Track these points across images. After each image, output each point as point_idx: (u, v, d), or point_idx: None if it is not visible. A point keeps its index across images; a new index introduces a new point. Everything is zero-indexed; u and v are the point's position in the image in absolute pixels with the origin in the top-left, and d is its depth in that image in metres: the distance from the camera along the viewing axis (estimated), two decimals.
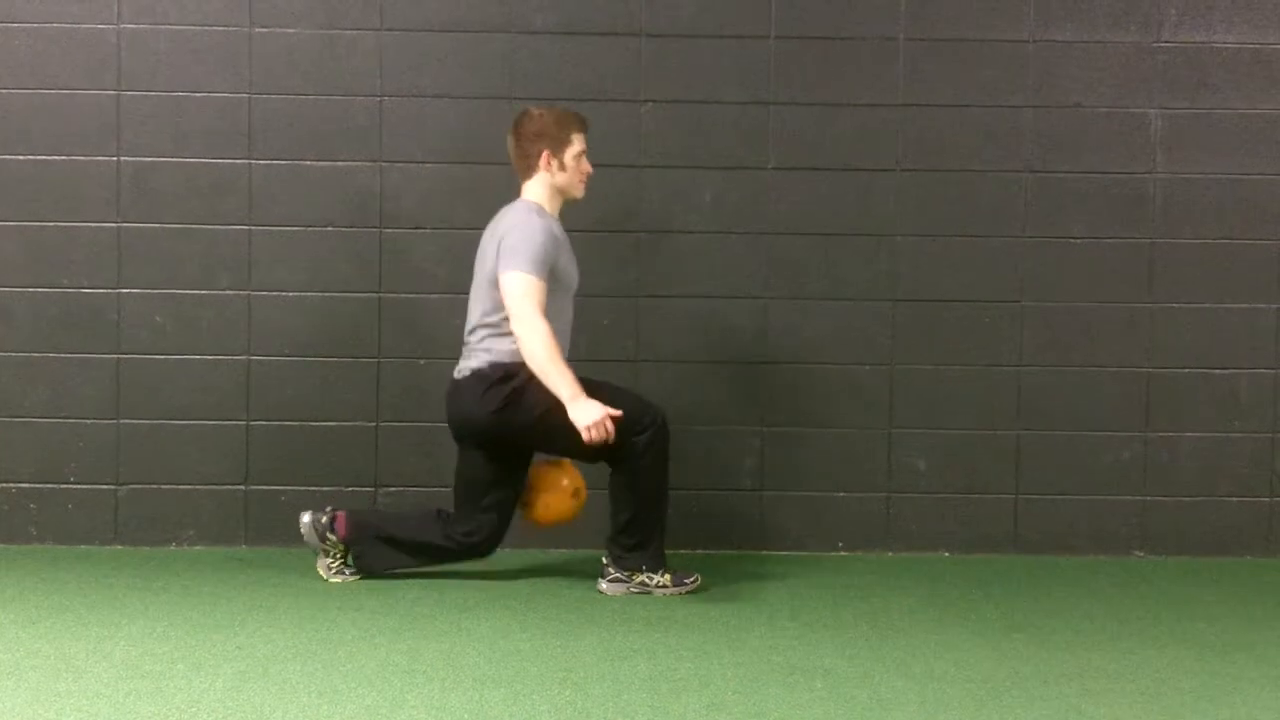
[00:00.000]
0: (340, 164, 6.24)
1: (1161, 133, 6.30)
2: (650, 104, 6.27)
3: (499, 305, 5.48)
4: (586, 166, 5.67)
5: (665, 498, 5.60)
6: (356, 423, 6.27)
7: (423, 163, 6.24)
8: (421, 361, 6.19)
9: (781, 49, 6.26)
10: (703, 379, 6.32)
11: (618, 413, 5.37)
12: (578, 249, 5.91)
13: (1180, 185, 6.30)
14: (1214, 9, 6.28)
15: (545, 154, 5.59)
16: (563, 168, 5.62)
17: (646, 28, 6.24)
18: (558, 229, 5.57)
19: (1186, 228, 6.31)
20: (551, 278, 5.48)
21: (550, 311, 5.45)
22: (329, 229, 6.25)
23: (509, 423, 5.50)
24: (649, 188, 6.27)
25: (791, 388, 6.31)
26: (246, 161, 6.22)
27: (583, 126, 5.65)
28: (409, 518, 5.78)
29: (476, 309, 5.60)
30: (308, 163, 6.23)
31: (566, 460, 5.69)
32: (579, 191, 5.69)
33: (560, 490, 5.64)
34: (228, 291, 6.24)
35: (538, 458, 5.70)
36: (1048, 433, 6.33)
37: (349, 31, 6.22)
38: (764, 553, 6.33)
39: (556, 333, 5.46)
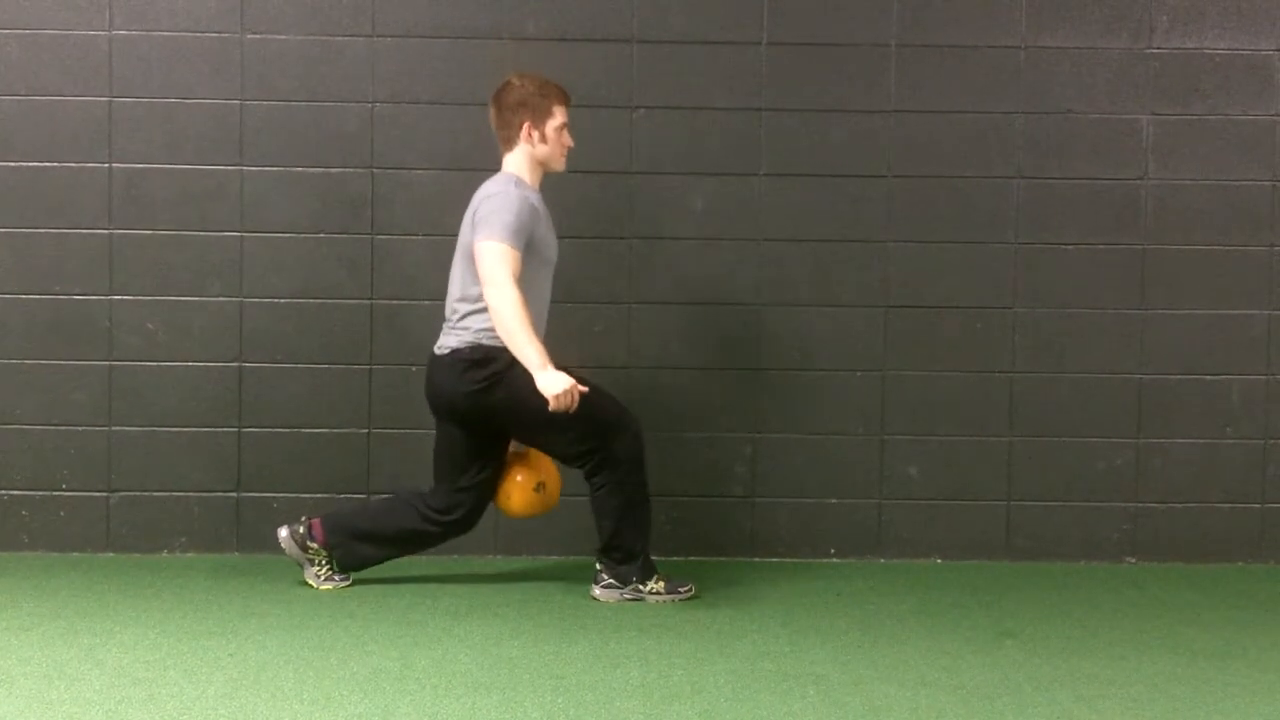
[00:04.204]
0: (332, 170, 6.23)
1: (1153, 139, 6.31)
2: (642, 110, 6.27)
3: (478, 278, 5.44)
4: (568, 139, 5.63)
5: (647, 505, 5.58)
6: (348, 429, 6.27)
7: (414, 169, 6.24)
8: (413, 368, 6.18)
9: (773, 55, 6.26)
10: (695, 385, 6.32)
11: (584, 388, 5.34)
12: (570, 254, 5.91)
13: (1171, 191, 6.31)
14: (1205, 15, 6.29)
15: (526, 125, 5.56)
16: (544, 139, 5.58)
17: (638, 34, 6.25)
18: (537, 200, 5.52)
19: (1178, 234, 6.32)
20: (529, 250, 5.43)
21: (528, 285, 5.41)
22: (320, 235, 6.25)
23: (485, 406, 5.47)
24: (641, 194, 6.28)
25: (783, 394, 6.32)
26: (238, 168, 6.22)
27: (565, 98, 5.62)
28: (382, 510, 5.74)
29: (457, 283, 5.56)
30: (299, 169, 6.23)
31: (534, 451, 5.67)
32: (560, 164, 5.65)
33: (524, 480, 5.61)
34: (219, 298, 6.23)
35: (514, 445, 5.69)
36: (1040, 439, 6.34)
37: (340, 37, 6.22)
38: (756, 559, 6.33)
39: (533, 308, 5.43)
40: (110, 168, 6.20)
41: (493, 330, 5.42)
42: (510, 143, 5.61)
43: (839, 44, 6.27)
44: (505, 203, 5.40)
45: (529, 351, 5.30)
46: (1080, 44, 6.29)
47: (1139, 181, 6.32)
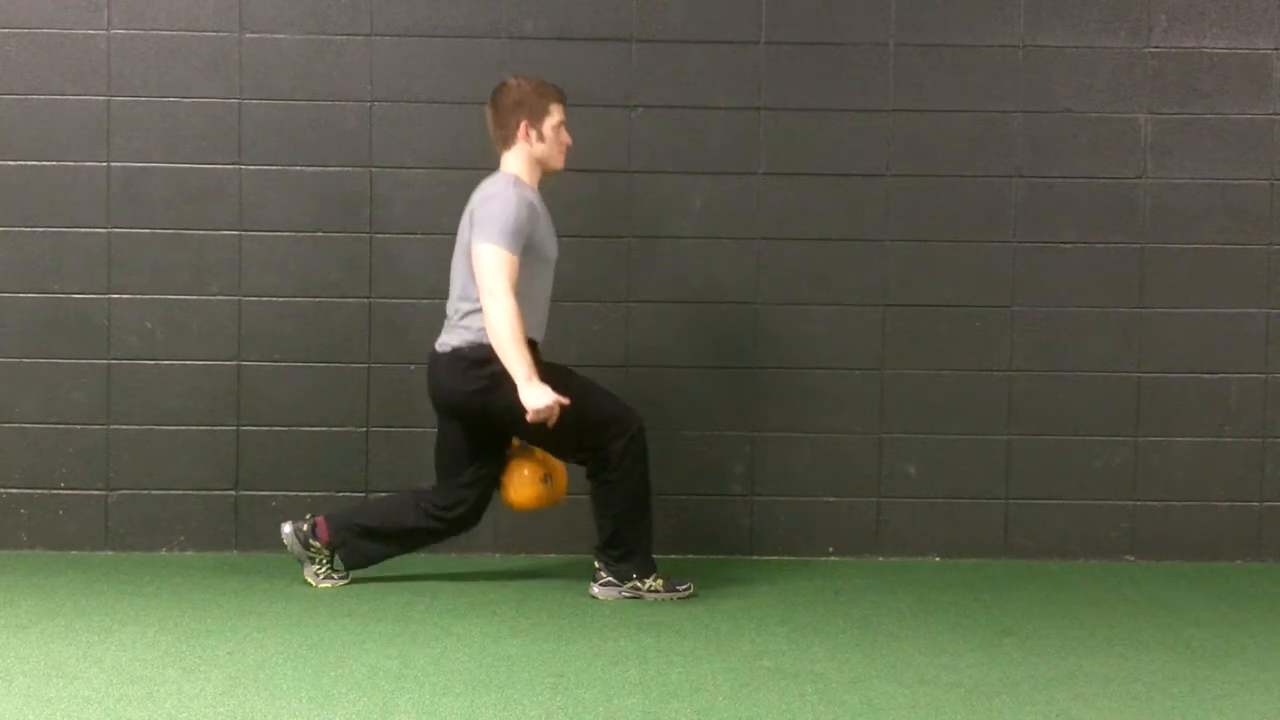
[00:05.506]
0: (330, 169, 6.23)
1: (1151, 138, 6.31)
2: (641, 109, 6.27)
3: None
4: (566, 137, 5.64)
5: (648, 503, 5.59)
6: (346, 428, 6.27)
7: (413, 168, 6.24)
8: (411, 367, 6.18)
9: (772, 54, 6.26)
10: (693, 384, 6.32)
11: (566, 400, 5.35)
12: (569, 253, 5.91)
13: (1170, 190, 6.31)
14: (1204, 14, 6.29)
15: (524, 124, 5.57)
16: (541, 138, 5.59)
17: (637, 33, 6.25)
18: (536, 200, 5.53)
19: (1176, 233, 6.32)
20: (528, 250, 5.44)
21: (528, 284, 5.43)
22: (319, 234, 6.25)
23: (485, 405, 5.48)
24: (640, 193, 6.28)
25: (782, 393, 6.32)
26: (236, 167, 6.22)
27: (561, 97, 5.63)
28: (386, 507, 5.74)
29: (457, 282, 5.57)
30: (298, 168, 6.23)
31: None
32: (559, 163, 5.66)
33: (530, 473, 5.60)
34: (218, 297, 6.23)
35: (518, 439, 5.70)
36: (1038, 437, 6.34)
37: (339, 36, 6.22)
38: (754, 558, 6.33)
39: (534, 306, 5.46)
40: (108, 167, 6.20)
41: None
42: (508, 142, 5.62)
43: (838, 43, 6.27)
44: (504, 205, 5.41)
45: (517, 364, 5.33)
46: (1079, 43, 6.29)
47: (1137, 180, 6.32)
